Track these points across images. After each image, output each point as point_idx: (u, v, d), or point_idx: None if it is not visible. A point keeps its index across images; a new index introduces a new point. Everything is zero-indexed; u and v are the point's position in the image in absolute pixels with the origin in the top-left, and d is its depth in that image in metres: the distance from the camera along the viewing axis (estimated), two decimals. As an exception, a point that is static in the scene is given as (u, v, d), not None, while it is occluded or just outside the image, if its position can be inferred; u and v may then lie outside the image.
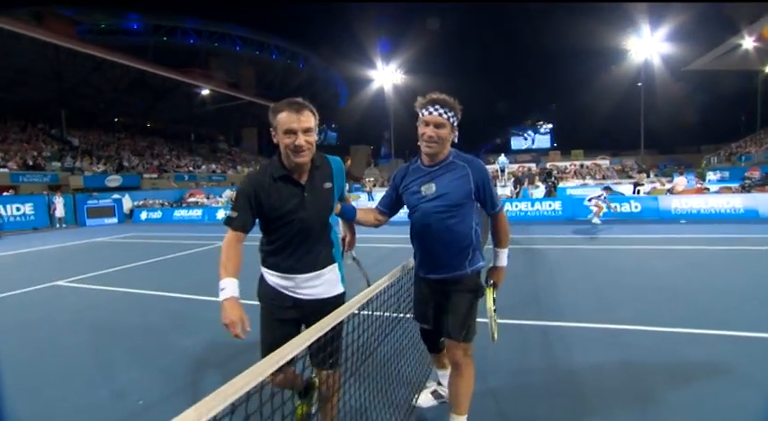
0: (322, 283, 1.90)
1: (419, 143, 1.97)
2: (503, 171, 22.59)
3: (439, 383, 2.46)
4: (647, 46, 29.35)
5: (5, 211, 14.97)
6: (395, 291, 2.26)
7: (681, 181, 13.42)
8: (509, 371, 2.87)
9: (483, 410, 2.37)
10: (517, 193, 16.64)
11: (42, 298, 5.52)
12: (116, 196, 18.81)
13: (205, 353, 3.43)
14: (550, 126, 51.97)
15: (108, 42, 32.88)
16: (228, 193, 20.16)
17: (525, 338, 3.41)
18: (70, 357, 3.50)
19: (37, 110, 29.10)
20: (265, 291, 1.92)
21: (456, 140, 2.02)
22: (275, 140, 1.80)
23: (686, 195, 11.88)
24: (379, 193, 13.55)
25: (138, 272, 7.10)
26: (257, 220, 1.84)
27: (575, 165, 31.90)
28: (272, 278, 1.89)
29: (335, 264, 1.95)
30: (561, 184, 17.16)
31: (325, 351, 1.74)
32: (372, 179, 28.58)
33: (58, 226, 16.53)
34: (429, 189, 1.98)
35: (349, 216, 2.10)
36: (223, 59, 48.72)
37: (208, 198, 20.31)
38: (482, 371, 2.52)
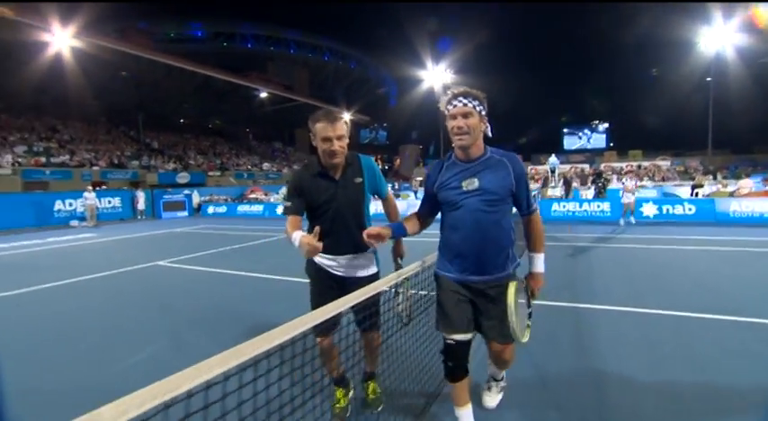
0: (359, 264, 2.28)
1: (452, 139, 1.96)
2: (553, 171, 22.34)
3: None
4: (719, 37, 27.34)
5: (100, 204, 17.10)
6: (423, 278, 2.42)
7: (746, 183, 12.92)
8: (538, 350, 3.41)
9: (516, 382, 2.74)
10: (566, 194, 16.61)
11: (150, 273, 6.71)
12: (186, 192, 20.74)
13: (289, 313, 4.25)
14: (607, 124, 49.69)
15: (175, 50, 35.82)
16: (283, 191, 21.57)
17: (558, 318, 3.93)
18: (188, 315, 4.48)
19: (119, 114, 32.29)
20: (312, 268, 2.32)
21: (490, 134, 2.00)
22: (314, 144, 2.16)
23: (750, 198, 11.49)
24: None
25: (218, 256, 8.22)
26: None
27: (631, 166, 30.68)
28: (318, 258, 2.27)
29: (371, 249, 2.25)
30: (613, 186, 16.86)
31: (364, 315, 2.18)
32: (420, 178, 29.15)
33: (139, 217, 18.58)
34: (471, 184, 1.92)
35: (401, 233, 2.15)
36: (279, 63, 51.01)
37: (266, 195, 21.84)
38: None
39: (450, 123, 1.91)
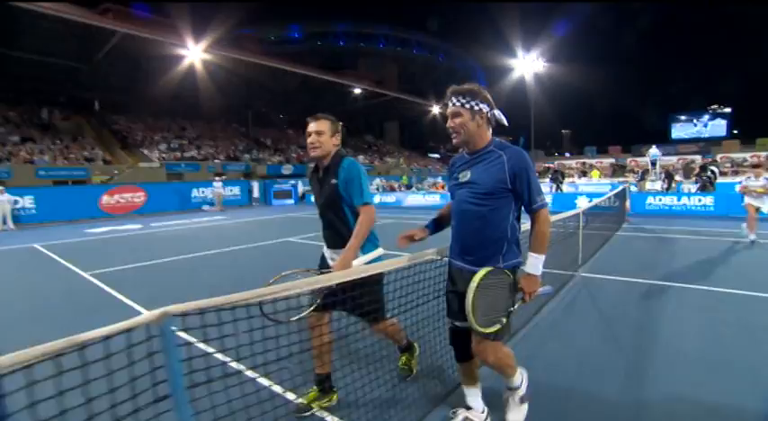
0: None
1: None
2: (654, 164, 21.03)
3: (468, 407, 2.23)
4: None
5: (224, 192, 20.19)
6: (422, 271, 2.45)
7: None
8: (600, 320, 4.12)
9: (568, 349, 3.55)
10: (667, 188, 15.82)
11: (286, 246, 8.45)
12: (292, 182, 23.36)
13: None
14: (729, 109, 43.58)
15: (277, 52, 39.33)
16: (377, 182, 23.19)
17: (628, 292, 4.58)
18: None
19: (232, 113, 36.57)
20: (320, 257, 2.56)
21: (506, 122, 2.04)
22: None
23: None
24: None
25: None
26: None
27: (759, 157, 27.33)
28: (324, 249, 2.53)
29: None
30: (726, 180, 15.65)
31: (354, 305, 2.24)
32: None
33: (254, 204, 21.52)
34: (465, 176, 2.01)
35: (435, 229, 2.30)
36: (369, 59, 53.05)
37: (361, 185, 23.72)
38: (581, 312, 3.85)
39: (447, 123, 2.03)
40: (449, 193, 2.23)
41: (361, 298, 2.19)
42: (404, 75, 54.32)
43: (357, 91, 39.15)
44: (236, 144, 31.02)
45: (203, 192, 20.06)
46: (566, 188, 19.64)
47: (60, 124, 25.26)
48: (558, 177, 19.08)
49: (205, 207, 19.52)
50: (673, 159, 32.41)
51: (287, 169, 28.02)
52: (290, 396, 2.49)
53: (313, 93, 40.42)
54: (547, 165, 36.66)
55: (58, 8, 21.99)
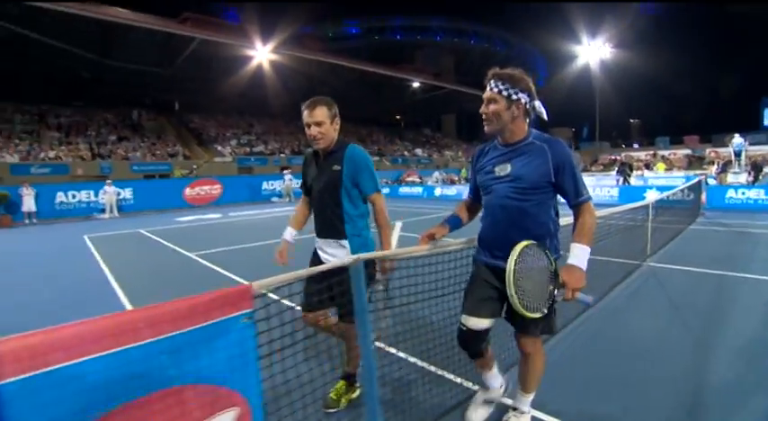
0: (331, 252, 2.27)
1: None
2: (738, 155, 19.37)
3: (485, 388, 2.23)
4: None
5: (293, 184, 21.49)
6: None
7: None
8: (667, 307, 4.22)
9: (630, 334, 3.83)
10: (753, 181, 14.67)
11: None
12: (352, 175, 24.34)
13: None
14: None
15: (335, 48, 40.45)
16: (437, 175, 23.49)
17: (698, 282, 4.63)
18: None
19: (292, 108, 38.25)
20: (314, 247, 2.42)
21: (545, 116, 1.87)
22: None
23: None
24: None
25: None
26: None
27: None
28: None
29: (345, 240, 2.25)
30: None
31: (326, 297, 2.07)
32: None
33: (317, 196, 22.70)
34: (503, 169, 1.87)
35: (457, 226, 2.16)
36: (426, 51, 52.90)
37: (420, 178, 24.15)
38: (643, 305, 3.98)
39: (482, 108, 1.87)
40: (470, 186, 2.14)
41: (342, 290, 1.92)
42: (461, 66, 53.65)
43: (415, 84, 39.35)
44: (299, 139, 32.56)
45: (272, 184, 21.47)
46: (634, 181, 18.74)
47: (147, 124, 27.98)
48: (625, 170, 18.25)
49: (274, 198, 20.90)
50: (764, 149, 29.43)
51: (347, 163, 29.07)
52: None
53: (371, 87, 41.15)
54: (613, 157, 34.75)
55: (145, 20, 24.40)
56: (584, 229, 1.80)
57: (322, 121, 2.15)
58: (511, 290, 1.71)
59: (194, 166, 23.31)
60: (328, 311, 2.28)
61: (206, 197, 19.58)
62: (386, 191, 22.21)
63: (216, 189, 19.96)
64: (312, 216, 2.39)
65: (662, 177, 21.00)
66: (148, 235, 10.46)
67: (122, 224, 13.29)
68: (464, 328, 1.98)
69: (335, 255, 2.22)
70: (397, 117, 47.05)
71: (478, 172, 2.01)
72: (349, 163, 2.19)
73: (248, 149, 27.48)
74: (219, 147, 26.50)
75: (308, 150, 2.40)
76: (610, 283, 4.43)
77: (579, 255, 1.76)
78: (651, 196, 11.73)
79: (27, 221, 14.84)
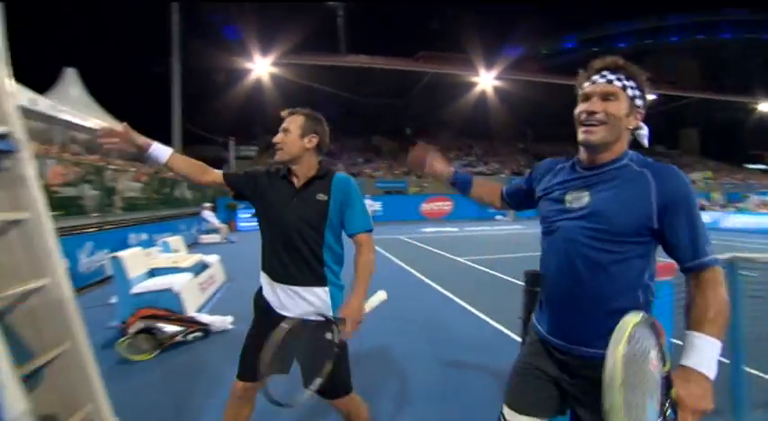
0: (305, 301, 1.75)
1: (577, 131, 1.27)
2: None
3: None
4: None
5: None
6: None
7: None
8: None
9: None
10: None
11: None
12: (576, 196, 23.63)
13: None
14: None
15: (548, 66, 39.51)
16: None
17: None
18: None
19: (510, 130, 39.10)
20: (255, 298, 1.90)
21: (646, 143, 1.28)
22: None
23: None
24: None
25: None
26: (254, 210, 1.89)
27: None
28: (262, 280, 1.86)
29: (323, 289, 1.77)
30: None
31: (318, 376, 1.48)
32: None
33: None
34: (579, 200, 1.25)
35: (464, 183, 1.72)
36: (657, 56, 46.75)
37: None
38: None
39: (579, 107, 1.27)
40: (512, 185, 1.63)
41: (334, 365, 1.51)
42: (707, 68, 45.24)
43: (649, 97, 35.22)
44: (518, 160, 33.29)
45: (495, 203, 22.86)
46: None
47: (384, 148, 33.37)
48: None
49: (498, 217, 22.15)
50: None
51: (566, 182, 28.26)
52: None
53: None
54: None
55: (388, 62, 29.57)
56: (708, 314, 1.09)
57: (289, 129, 1.78)
58: (615, 402, 0.87)
59: (425, 184, 26.64)
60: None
61: (438, 212, 22.26)
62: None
63: (447, 205, 22.47)
64: (264, 247, 1.85)
65: None
66: (408, 240, 12.91)
67: (381, 231, 16.48)
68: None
69: (313, 304, 1.74)
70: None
71: (541, 195, 1.41)
72: (338, 193, 1.78)
73: (470, 170, 29.72)
74: (444, 168, 29.52)
75: (272, 164, 1.93)
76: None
77: (703, 352, 1.07)
78: None
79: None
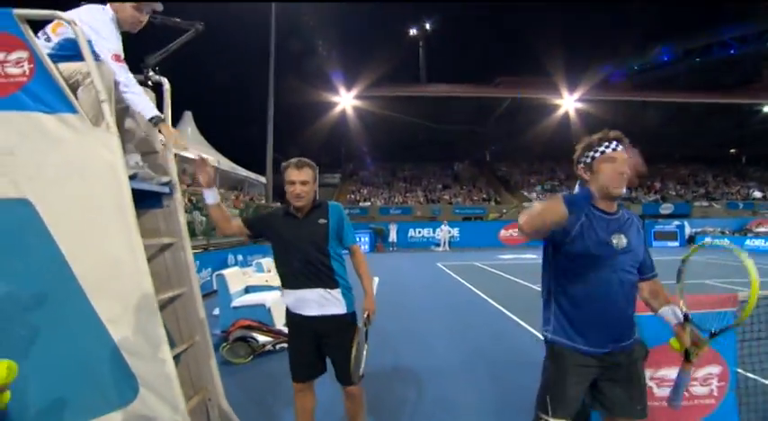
0: (323, 301, 2.23)
1: (609, 186, 1.65)
2: None
3: None
4: None
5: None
6: None
7: None
8: None
9: None
10: None
11: (701, 288, 8.46)
12: (677, 223, 21.37)
13: None
14: None
15: (642, 82, 36.51)
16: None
17: None
18: None
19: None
20: (288, 315, 2.34)
21: None
22: (286, 189, 2.27)
23: None
24: None
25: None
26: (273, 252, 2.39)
27: None
28: (286, 299, 2.32)
29: (336, 290, 2.25)
30: None
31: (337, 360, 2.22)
32: None
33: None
34: (620, 241, 1.67)
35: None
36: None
37: (782, 228, 18.92)
38: None
39: (614, 167, 1.64)
40: (554, 246, 1.77)
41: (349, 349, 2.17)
42: None
43: (766, 109, 31.32)
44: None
45: (580, 229, 21.57)
46: None
47: (463, 174, 33.32)
48: None
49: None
50: None
51: (666, 208, 25.71)
52: None
53: (694, 119, 35.21)
54: None
55: (467, 90, 29.85)
56: (662, 294, 1.83)
57: (308, 181, 2.25)
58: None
59: (504, 210, 26.04)
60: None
61: (517, 239, 21.52)
62: (725, 243, 18.44)
63: (526, 232, 21.71)
64: (283, 270, 2.33)
65: None
66: (485, 267, 12.72)
67: (457, 257, 16.48)
68: None
69: (331, 303, 2.25)
70: (732, 151, 37.98)
71: (582, 236, 1.67)
72: (334, 216, 2.31)
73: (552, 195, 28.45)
74: (525, 193, 28.59)
75: (276, 209, 2.49)
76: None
77: (675, 311, 1.75)
78: None
79: (392, 248, 20.44)
